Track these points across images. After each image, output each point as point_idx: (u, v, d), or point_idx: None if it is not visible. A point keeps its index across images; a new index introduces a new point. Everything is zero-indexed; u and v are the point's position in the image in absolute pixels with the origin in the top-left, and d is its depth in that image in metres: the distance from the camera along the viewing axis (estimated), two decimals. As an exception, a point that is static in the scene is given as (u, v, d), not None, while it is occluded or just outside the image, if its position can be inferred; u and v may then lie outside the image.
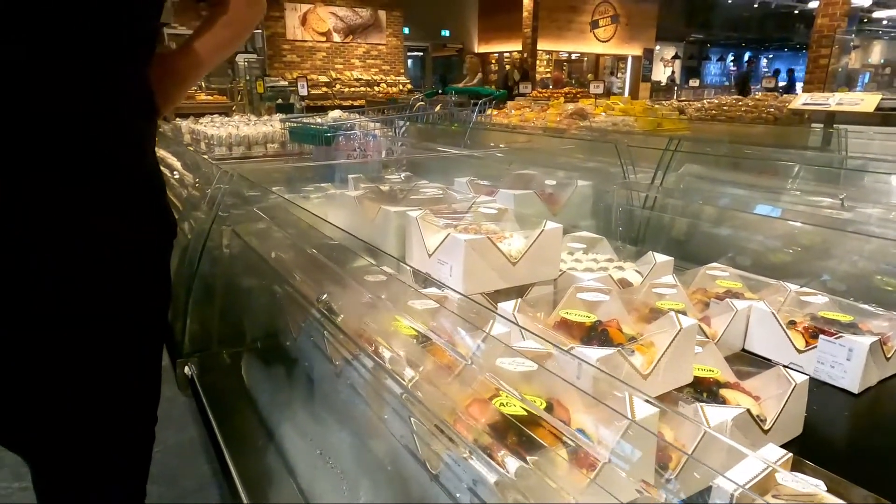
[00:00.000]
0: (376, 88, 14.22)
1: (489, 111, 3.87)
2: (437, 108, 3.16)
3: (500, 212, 1.32)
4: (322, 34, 14.27)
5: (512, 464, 0.48)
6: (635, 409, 0.57)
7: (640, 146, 1.88)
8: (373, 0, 14.95)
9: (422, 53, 18.66)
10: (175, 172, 2.95)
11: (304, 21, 14.03)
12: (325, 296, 0.80)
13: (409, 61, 17.34)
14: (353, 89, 14.04)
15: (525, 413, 0.54)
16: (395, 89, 14.25)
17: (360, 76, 14.63)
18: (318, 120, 3.08)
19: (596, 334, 0.83)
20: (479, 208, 1.33)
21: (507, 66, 12.91)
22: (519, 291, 1.20)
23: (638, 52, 18.91)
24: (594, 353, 0.72)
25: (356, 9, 14.68)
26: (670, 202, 1.66)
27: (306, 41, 14.12)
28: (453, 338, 0.71)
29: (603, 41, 18.32)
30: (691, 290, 1.33)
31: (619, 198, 1.69)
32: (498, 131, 3.28)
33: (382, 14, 15.06)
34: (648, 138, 2.02)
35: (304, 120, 3.01)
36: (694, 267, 1.43)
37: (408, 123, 3.45)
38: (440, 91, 3.72)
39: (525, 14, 15.80)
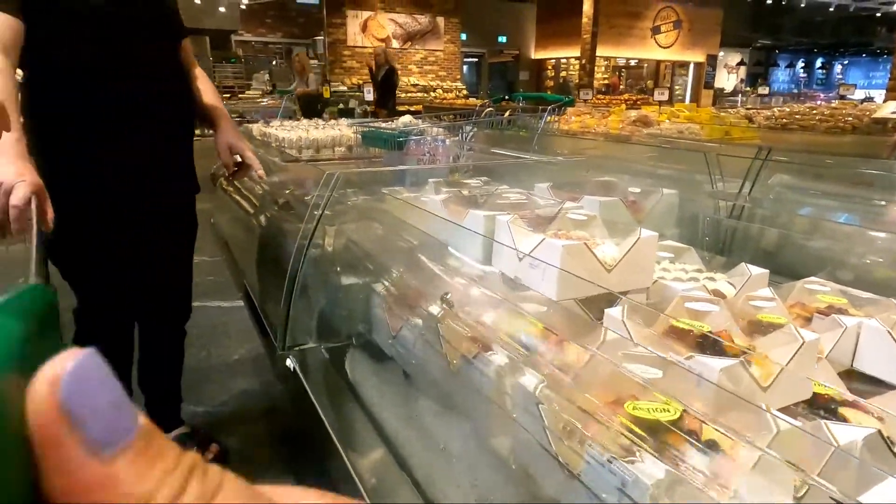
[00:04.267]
0: (432, 94, 14.39)
1: (549, 118, 3.83)
2: (507, 114, 3.17)
3: (589, 218, 1.31)
4: (381, 40, 14.57)
5: (658, 467, 0.48)
6: (778, 423, 0.56)
7: (728, 155, 1.83)
8: (432, 7, 15.14)
9: (477, 59, 18.76)
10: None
11: (364, 28, 14.38)
12: (449, 294, 0.82)
13: (465, 67, 17.45)
14: (409, 94, 14.25)
15: (660, 419, 0.54)
16: (451, 94, 14.38)
17: (416, 81, 14.84)
18: (390, 125, 3.14)
19: (708, 344, 0.82)
20: (567, 214, 1.33)
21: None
22: (608, 299, 1.19)
23: (700, 58, 18.37)
24: (716, 363, 0.70)
25: (416, 15, 14.91)
26: (759, 212, 1.61)
27: (366, 47, 14.45)
28: (568, 341, 0.71)
29: (664, 47, 17.90)
30: (789, 304, 1.28)
31: (705, 207, 1.65)
32: (566, 137, 3.25)
33: (441, 21, 15.24)
34: (734, 147, 1.96)
35: (376, 124, 3.07)
36: (787, 281, 1.38)
37: (475, 129, 3.46)
38: (506, 97, 3.73)
39: (584, 20, 15.65)
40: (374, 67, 9.08)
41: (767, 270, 1.32)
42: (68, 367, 0.14)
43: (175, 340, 1.91)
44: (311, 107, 7.72)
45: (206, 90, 1.73)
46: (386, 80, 9.00)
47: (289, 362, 1.06)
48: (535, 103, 3.46)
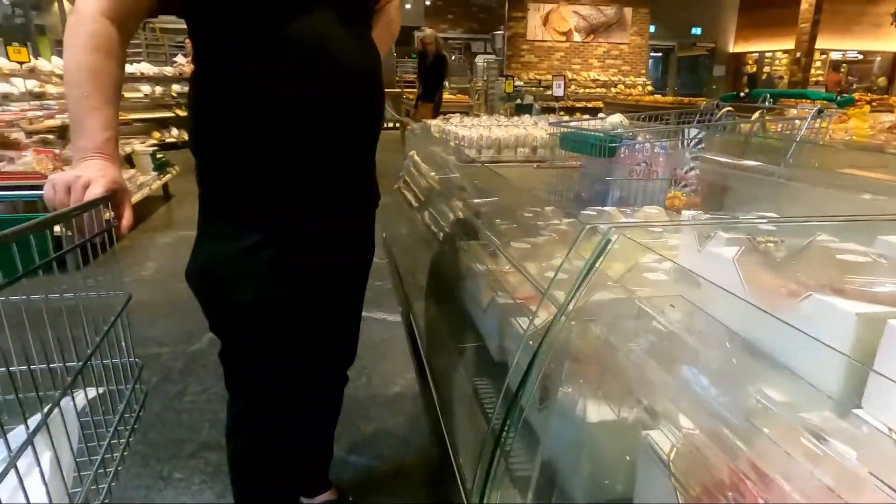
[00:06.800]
0: (614, 90, 13.34)
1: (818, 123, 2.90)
2: (755, 115, 2.42)
3: None
4: (562, 34, 13.82)
5: None
6: None
7: None
8: (620, -3, 14.02)
9: (663, 53, 17.06)
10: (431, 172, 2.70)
11: (545, 21, 13.75)
12: None
13: (650, 61, 15.91)
14: (588, 90, 13.37)
15: None
16: (635, 91, 13.22)
17: (597, 76, 13.87)
18: (595, 125, 2.56)
19: None
20: None
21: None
22: None
23: (963, 47, 14.74)
24: None
25: (601, 7, 13.91)
26: None
27: (546, 41, 13.83)
28: None
29: (910, 35, 14.67)
30: None
31: None
32: (835, 148, 2.40)
33: (628, 12, 14.04)
34: None
35: (578, 124, 2.51)
36: None
37: (703, 134, 2.71)
38: (741, 94, 2.94)
39: (805, 6, 13.31)
40: (424, 53, 7.55)
41: None
42: None
43: (336, 387, 1.56)
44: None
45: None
46: (436, 69, 7.49)
47: None
48: (786, 103, 2.64)
